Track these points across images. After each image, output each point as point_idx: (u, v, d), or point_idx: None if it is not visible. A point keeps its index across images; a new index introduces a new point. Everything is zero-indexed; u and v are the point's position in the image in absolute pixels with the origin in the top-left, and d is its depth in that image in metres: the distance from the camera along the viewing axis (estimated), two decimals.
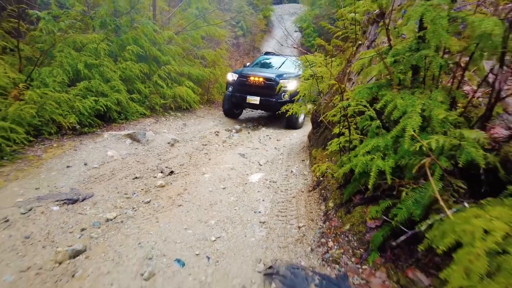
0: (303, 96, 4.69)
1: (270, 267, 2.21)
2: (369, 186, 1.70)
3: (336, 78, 3.39)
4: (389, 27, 1.89)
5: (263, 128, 7.47)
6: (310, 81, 4.40)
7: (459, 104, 1.91)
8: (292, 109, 4.88)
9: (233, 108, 8.27)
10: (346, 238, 2.20)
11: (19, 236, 2.48)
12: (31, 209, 2.82)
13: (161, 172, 4.07)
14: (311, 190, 3.36)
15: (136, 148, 4.77)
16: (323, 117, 2.79)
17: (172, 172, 4.10)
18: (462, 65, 1.75)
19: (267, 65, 8.77)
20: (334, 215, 2.51)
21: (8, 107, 4.30)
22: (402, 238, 1.67)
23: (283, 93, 7.09)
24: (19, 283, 2.06)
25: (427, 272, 1.57)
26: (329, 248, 2.23)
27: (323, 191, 3.11)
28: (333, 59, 3.28)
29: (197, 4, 9.93)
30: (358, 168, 1.78)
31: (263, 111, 9.16)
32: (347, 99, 2.20)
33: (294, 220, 2.96)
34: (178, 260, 2.37)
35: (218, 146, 5.59)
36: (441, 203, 1.18)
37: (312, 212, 2.96)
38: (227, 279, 2.23)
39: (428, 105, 1.58)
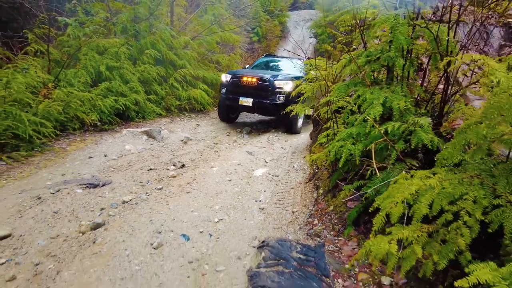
0: (307, 98, 4.91)
1: (263, 242, 2.55)
2: (340, 165, 2.02)
3: (334, 79, 3.71)
4: (363, 33, 2.22)
5: (273, 130, 7.82)
6: (314, 83, 4.72)
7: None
8: (295, 110, 4.73)
9: (228, 111, 7.95)
10: (329, 217, 2.52)
11: (49, 211, 2.91)
12: (58, 190, 3.26)
13: (174, 165, 4.47)
14: (308, 182, 3.68)
15: (151, 144, 5.21)
16: (316, 114, 3.13)
17: (183, 165, 4.50)
18: (425, 65, 2.06)
19: (267, 67, 8.56)
20: (323, 199, 2.83)
21: (38, 105, 4.83)
22: (351, 197, 1.99)
23: (278, 95, 6.74)
24: (50, 247, 2.48)
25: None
26: (314, 226, 2.56)
27: (316, 181, 3.43)
28: (334, 62, 3.59)
29: (213, 11, 10.43)
30: (332, 152, 2.11)
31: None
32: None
33: (290, 206, 3.29)
34: (184, 235, 2.74)
35: (228, 145, 5.97)
36: (375, 166, 1.50)
37: (306, 200, 3.29)
38: (225, 252, 2.58)
39: (390, 97, 1.90)
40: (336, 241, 2.21)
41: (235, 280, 2.21)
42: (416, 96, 2.18)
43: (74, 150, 4.58)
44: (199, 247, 2.61)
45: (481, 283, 1.02)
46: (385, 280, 1.75)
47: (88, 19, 6.79)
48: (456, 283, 1.00)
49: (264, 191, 3.82)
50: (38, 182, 3.49)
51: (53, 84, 5.34)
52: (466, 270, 1.08)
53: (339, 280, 1.88)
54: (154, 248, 2.49)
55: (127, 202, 3.25)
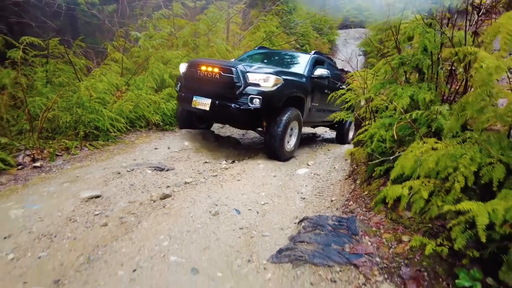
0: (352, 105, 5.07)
1: (303, 217, 3.00)
2: (372, 147, 2.44)
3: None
4: (398, 40, 2.67)
5: (317, 140, 8.21)
6: (358, 92, 5.12)
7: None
8: (339, 115, 4.55)
9: (188, 116, 5.91)
10: (363, 200, 2.91)
11: (127, 183, 3.60)
12: (133, 170, 3.97)
13: (225, 161, 5.08)
14: (347, 178, 4.07)
15: (206, 142, 5.89)
16: (357, 113, 3.55)
17: (233, 161, 5.09)
18: (449, 67, 2.44)
19: (258, 61, 6.52)
20: (359, 188, 3.23)
21: (113, 104, 5.75)
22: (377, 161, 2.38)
23: (251, 96, 4.59)
24: (130, 208, 3.13)
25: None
26: (349, 205, 2.96)
27: (355, 176, 3.81)
28: (369, 71, 3.96)
29: (265, 28, 11.26)
30: (367, 138, 2.54)
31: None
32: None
33: (329, 197, 3.70)
34: (236, 209, 3.26)
35: None
36: (395, 135, 1.91)
37: (344, 191, 3.68)
38: (270, 224, 3.07)
39: (417, 91, 2.31)
40: (367, 214, 2.59)
41: (278, 242, 2.68)
42: (442, 93, 2.55)
43: (141, 143, 5.37)
44: (248, 219, 3.12)
45: (467, 210, 1.41)
46: (405, 238, 2.12)
47: (156, 33, 7.83)
48: (445, 208, 1.40)
49: (306, 185, 4.26)
50: (115, 163, 4.25)
51: (125, 87, 6.28)
52: (458, 206, 1.47)
53: (366, 237, 2.27)
54: (212, 215, 3.04)
55: (188, 183, 3.87)
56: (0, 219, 2.72)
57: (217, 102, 4.77)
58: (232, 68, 4.73)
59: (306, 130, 9.51)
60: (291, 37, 13.95)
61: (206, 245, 2.53)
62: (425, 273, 1.80)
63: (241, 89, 4.67)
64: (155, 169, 4.13)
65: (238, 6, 9.77)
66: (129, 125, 5.88)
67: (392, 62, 2.56)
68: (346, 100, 4.64)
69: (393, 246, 2.11)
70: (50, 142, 4.68)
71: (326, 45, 17.49)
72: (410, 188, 1.70)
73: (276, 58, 6.61)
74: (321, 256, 2.14)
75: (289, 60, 6.43)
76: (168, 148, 5.10)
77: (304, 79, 5.74)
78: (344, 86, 6.97)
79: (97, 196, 3.20)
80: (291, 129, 5.31)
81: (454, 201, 1.59)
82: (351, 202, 3.04)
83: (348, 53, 18.77)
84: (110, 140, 5.27)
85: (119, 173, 3.80)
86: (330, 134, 9.60)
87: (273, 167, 4.94)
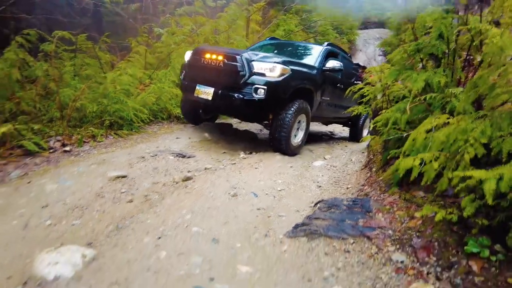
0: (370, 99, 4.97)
1: (319, 201, 3.10)
2: (388, 128, 2.52)
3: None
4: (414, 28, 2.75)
5: (335, 138, 8.26)
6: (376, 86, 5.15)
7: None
8: (357, 109, 4.40)
9: (192, 106, 5.72)
10: (378, 184, 3.00)
11: (150, 167, 3.79)
12: (156, 155, 4.17)
13: (243, 152, 5.23)
14: (363, 168, 4.14)
15: (225, 135, 6.06)
16: (375, 103, 3.63)
17: (251, 152, 5.23)
18: (464, 53, 2.51)
19: (269, 51, 6.34)
20: (374, 175, 3.31)
21: (137, 95, 6.00)
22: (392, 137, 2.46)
23: (256, 86, 4.41)
24: (153, 187, 3.31)
25: (424, 189, 2.33)
26: (364, 190, 3.05)
27: (371, 165, 3.88)
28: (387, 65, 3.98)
29: (284, 26, 11.38)
30: (382, 120, 2.62)
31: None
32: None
33: (344, 185, 3.79)
34: (253, 193, 3.40)
35: None
36: (408, 111, 2.00)
37: (360, 180, 3.76)
38: (286, 207, 3.19)
39: (431, 76, 2.38)
40: (381, 196, 2.68)
41: (294, 221, 2.79)
42: (458, 78, 2.60)
43: (163, 133, 5.59)
44: (265, 202, 3.25)
45: (474, 177, 1.50)
46: (417, 214, 2.20)
47: (178, 30, 8.08)
48: (454, 174, 1.49)
49: (322, 175, 4.35)
50: (139, 150, 4.46)
51: (148, 80, 6.54)
52: (467, 173, 1.55)
53: (380, 214, 2.36)
54: (231, 196, 3.19)
55: (208, 168, 4.03)
56: (38, 192, 2.95)
57: (220, 91, 4.56)
58: (237, 56, 4.54)
59: (322, 128, 9.57)
60: (310, 36, 14.01)
61: (226, 221, 2.68)
62: (436, 243, 1.88)
63: (245, 78, 4.45)
64: (177, 155, 4.31)
65: (258, 4, 9.93)
66: (152, 117, 6.11)
67: (408, 49, 2.64)
68: (364, 94, 4.58)
69: (405, 221, 2.19)
70: (78, 130, 4.94)
71: (346, 45, 17.44)
72: (422, 160, 1.79)
73: (287, 48, 6.41)
74: (336, 229, 2.25)
75: (300, 51, 6.22)
76: (189, 138, 5.29)
77: (314, 71, 5.48)
78: (359, 82, 6.85)
79: (123, 176, 3.41)
80: (299, 122, 5.10)
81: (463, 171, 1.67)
82: (366, 187, 3.12)
83: (369, 53, 18.66)
84: (133, 130, 5.50)
85: (143, 158, 4.01)
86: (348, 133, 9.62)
87: (290, 159, 5.05)
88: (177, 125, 6.25)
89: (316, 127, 9.72)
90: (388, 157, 2.83)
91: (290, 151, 4.99)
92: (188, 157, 4.39)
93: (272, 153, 5.23)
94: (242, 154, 5.02)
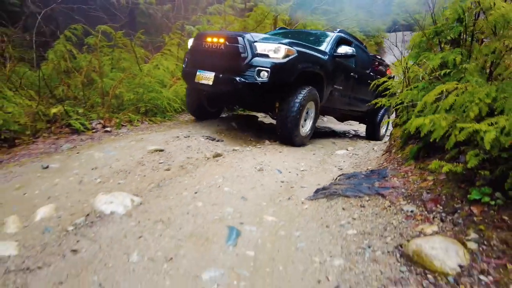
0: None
1: (340, 174, 3.34)
2: (405, 103, 2.73)
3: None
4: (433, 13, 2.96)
5: (359, 135, 8.38)
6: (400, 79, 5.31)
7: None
8: (380, 101, 4.09)
9: (197, 98, 5.48)
10: (395, 160, 3.21)
11: (184, 145, 4.15)
12: (188, 136, 4.54)
13: (268, 140, 5.52)
14: (384, 154, 4.33)
15: (251, 126, 6.38)
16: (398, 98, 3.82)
17: (276, 141, 5.51)
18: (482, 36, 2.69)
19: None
20: (393, 154, 3.51)
21: (170, 87, 6.44)
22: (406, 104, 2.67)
23: (259, 69, 4.16)
24: (187, 161, 3.65)
25: (438, 158, 2.53)
26: (382, 165, 3.26)
27: (391, 149, 4.07)
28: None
29: (311, 26, 11.63)
30: (401, 97, 2.84)
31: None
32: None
33: (365, 167, 4.00)
34: (278, 170, 3.68)
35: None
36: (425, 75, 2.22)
37: (380, 162, 3.96)
38: (308, 182, 3.44)
39: (448, 55, 2.59)
40: (398, 167, 2.89)
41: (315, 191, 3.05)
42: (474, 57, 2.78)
43: (194, 121, 5.98)
44: (288, 177, 3.52)
45: (476, 129, 1.72)
46: (430, 177, 2.40)
47: (208, 27, 8.52)
48: (459, 125, 1.71)
49: (344, 161, 4.57)
50: (173, 133, 4.85)
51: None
52: (470, 126, 1.77)
53: (395, 179, 2.57)
54: (257, 170, 3.49)
55: (236, 150, 4.36)
56: (87, 159, 3.37)
57: (221, 75, 4.33)
58: (238, 38, 4.35)
59: (346, 127, 9.70)
60: None
61: (253, 186, 2.98)
62: (443, 197, 2.09)
63: (247, 60, 4.19)
64: (207, 138, 4.67)
65: (286, 4, 10.26)
66: (184, 107, 6.53)
67: (427, 32, 2.85)
68: (388, 87, 4.54)
69: (418, 183, 2.40)
70: (117, 115, 5.41)
71: (373, 47, 17.46)
72: (431, 121, 2.00)
73: (297, 36, 6.14)
74: (353, 190, 2.49)
75: (310, 38, 5.90)
76: (218, 126, 5.65)
77: (324, 56, 5.17)
78: (375, 75, 6.56)
79: (161, 150, 3.78)
80: (307, 111, 4.85)
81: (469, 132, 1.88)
82: (384, 163, 3.33)
83: (397, 55, 18.47)
84: (166, 118, 5.92)
85: (177, 137, 4.39)
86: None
87: (313, 148, 5.30)
88: None
89: (340, 125, 9.87)
90: (406, 137, 3.04)
91: (298, 142, 4.84)
92: (217, 141, 4.73)
93: None
94: (267, 142, 5.31)
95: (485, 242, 1.65)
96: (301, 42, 4.92)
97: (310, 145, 5.38)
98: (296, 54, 4.45)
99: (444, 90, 2.03)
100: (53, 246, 1.89)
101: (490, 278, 1.45)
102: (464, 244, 1.65)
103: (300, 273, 1.70)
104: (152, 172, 3.21)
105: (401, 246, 1.76)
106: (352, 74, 6.01)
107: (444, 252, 1.56)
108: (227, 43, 4.40)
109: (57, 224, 2.14)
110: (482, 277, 1.47)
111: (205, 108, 5.74)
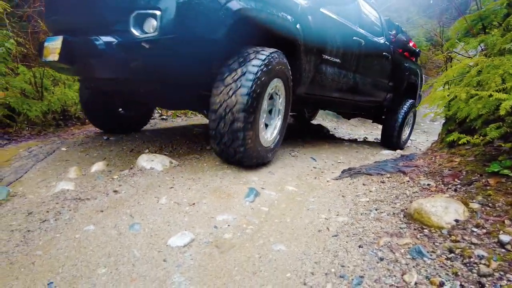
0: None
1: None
2: (442, 83, 2.69)
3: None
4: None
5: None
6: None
7: None
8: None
9: (95, 97, 3.50)
10: (431, 149, 3.13)
11: None
12: None
13: (310, 138, 5.62)
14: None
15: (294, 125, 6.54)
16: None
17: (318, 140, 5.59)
18: None
19: None
20: (431, 146, 3.42)
21: None
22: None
23: (139, 12, 2.07)
24: None
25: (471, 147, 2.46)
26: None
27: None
28: None
29: None
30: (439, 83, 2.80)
31: None
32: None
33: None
34: (312, 158, 3.79)
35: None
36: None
37: None
38: (340, 169, 3.49)
39: (488, 38, 2.52)
40: (429, 153, 2.84)
41: None
42: None
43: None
44: (321, 165, 3.62)
45: (496, 97, 1.71)
46: (457, 159, 2.34)
47: None
48: (478, 92, 1.71)
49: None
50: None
51: None
52: (491, 96, 1.75)
53: (421, 160, 2.54)
54: (291, 156, 3.65)
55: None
56: (141, 135, 3.82)
57: (69, 38, 2.30)
58: None
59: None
60: None
61: (283, 166, 3.15)
62: (464, 172, 2.05)
63: (118, 1, 2.17)
64: None
65: None
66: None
67: (469, 18, 2.78)
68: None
69: (443, 164, 2.36)
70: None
71: (440, 56, 16.55)
72: (452, 92, 1.99)
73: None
74: (376, 169, 2.53)
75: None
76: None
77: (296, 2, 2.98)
78: (397, 48, 5.15)
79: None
80: (269, 97, 2.73)
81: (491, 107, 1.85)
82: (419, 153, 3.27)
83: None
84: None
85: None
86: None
87: (357, 147, 5.28)
88: None
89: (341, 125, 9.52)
90: (447, 127, 2.97)
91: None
92: None
93: (342, 141, 5.53)
94: (309, 138, 5.42)
95: (490, 205, 1.62)
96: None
97: (354, 143, 5.37)
98: None
99: (471, 63, 2.01)
100: (100, 187, 2.27)
101: (484, 230, 1.44)
102: (466, 204, 1.64)
103: (304, 225, 1.82)
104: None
105: (406, 209, 1.79)
106: (355, 38, 3.89)
107: (443, 209, 1.58)
108: None
109: (106, 175, 2.53)
110: (475, 229, 1.46)
111: (113, 112, 3.67)
